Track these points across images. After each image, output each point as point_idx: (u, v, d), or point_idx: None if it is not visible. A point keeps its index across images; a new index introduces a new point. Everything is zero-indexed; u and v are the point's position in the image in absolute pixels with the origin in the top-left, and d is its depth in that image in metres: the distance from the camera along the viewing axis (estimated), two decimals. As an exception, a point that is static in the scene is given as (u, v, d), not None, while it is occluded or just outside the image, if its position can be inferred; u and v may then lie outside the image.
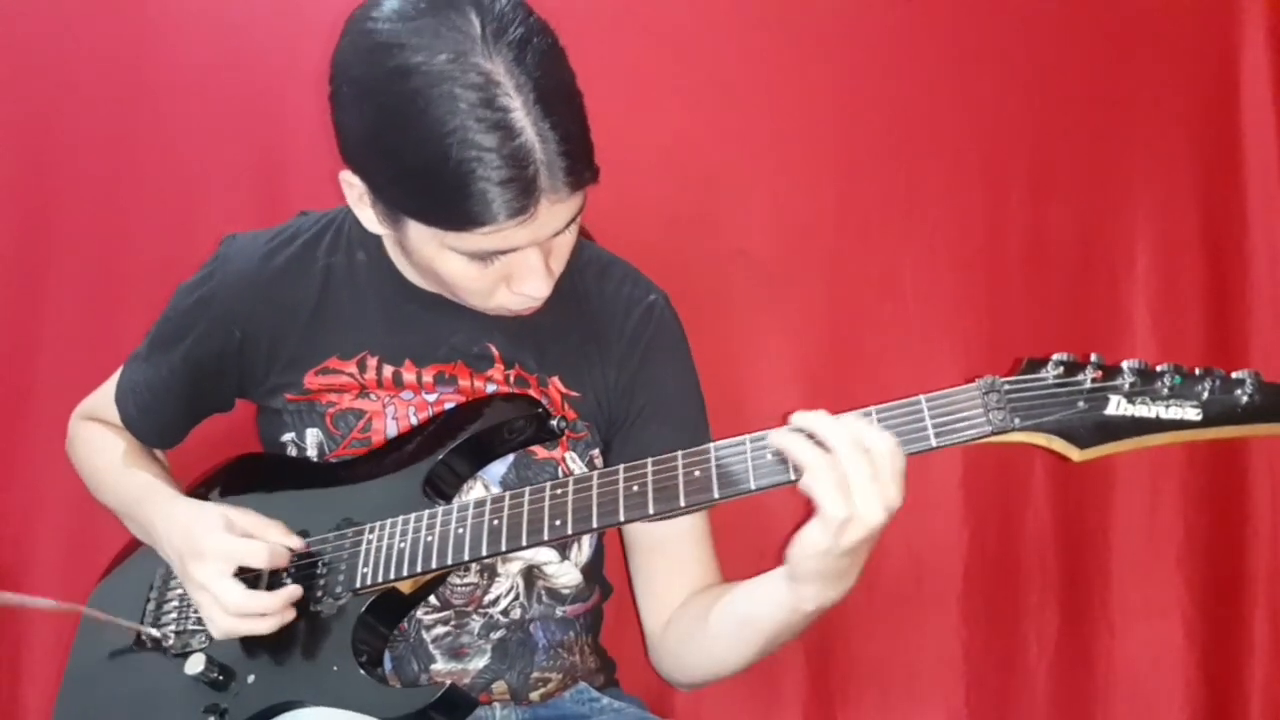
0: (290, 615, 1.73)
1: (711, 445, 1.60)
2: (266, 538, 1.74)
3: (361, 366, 1.88)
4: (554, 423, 1.82)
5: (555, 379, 1.90)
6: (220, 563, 1.71)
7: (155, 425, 2.04)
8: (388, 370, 1.88)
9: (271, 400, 1.92)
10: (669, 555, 1.94)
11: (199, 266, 2.03)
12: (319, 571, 1.77)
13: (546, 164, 1.53)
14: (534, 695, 1.91)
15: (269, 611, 1.71)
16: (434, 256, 1.65)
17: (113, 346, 2.40)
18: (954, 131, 2.51)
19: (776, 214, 2.52)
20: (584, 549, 1.95)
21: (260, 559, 1.71)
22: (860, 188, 2.51)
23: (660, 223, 2.43)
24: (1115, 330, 2.45)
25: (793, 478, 1.54)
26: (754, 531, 2.46)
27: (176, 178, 2.51)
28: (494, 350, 1.89)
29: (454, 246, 1.61)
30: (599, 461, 1.93)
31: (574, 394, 1.90)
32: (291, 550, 1.77)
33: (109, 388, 2.07)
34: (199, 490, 1.98)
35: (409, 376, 1.88)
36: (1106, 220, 2.49)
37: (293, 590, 1.72)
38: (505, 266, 1.64)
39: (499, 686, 1.88)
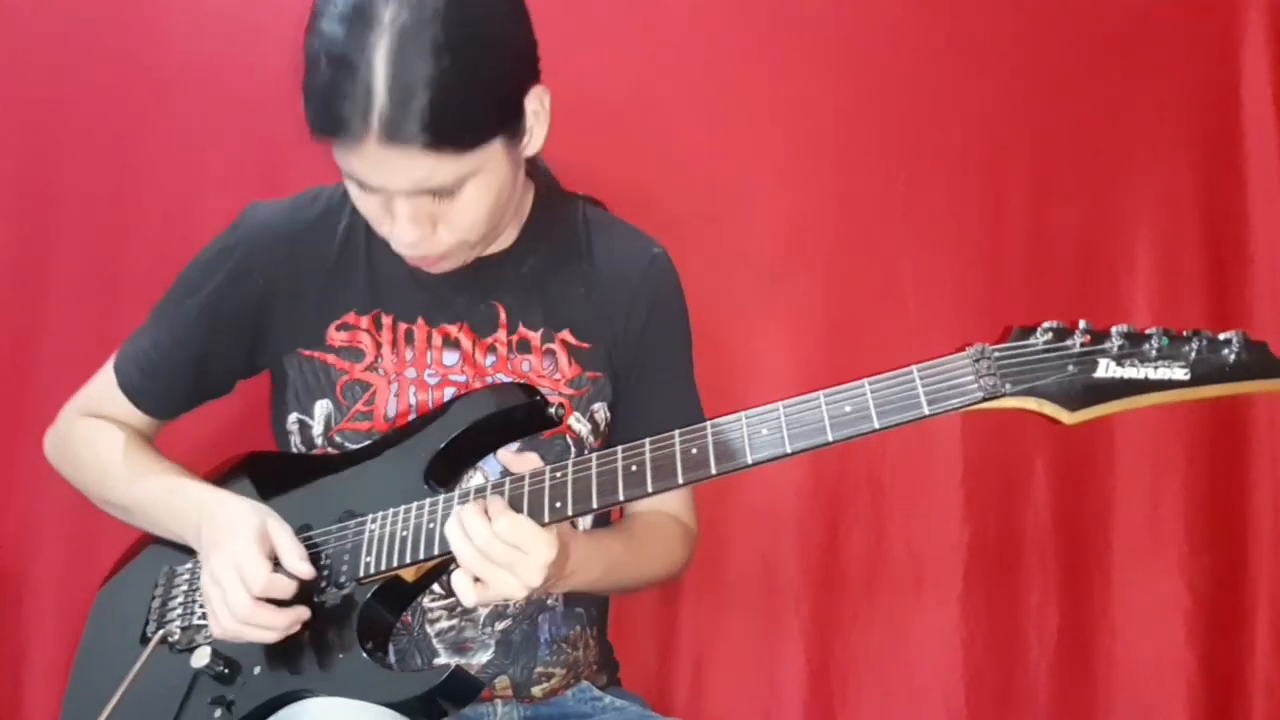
0: (293, 630, 1.72)
1: (708, 423, 1.61)
2: (286, 565, 1.73)
3: (377, 323, 1.92)
4: (552, 410, 1.82)
5: (565, 332, 1.93)
6: (235, 568, 1.71)
7: (159, 388, 2.01)
8: (401, 327, 1.91)
9: (286, 354, 1.94)
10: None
11: (200, 264, 2.03)
12: (323, 562, 1.78)
13: (386, 106, 1.59)
14: (537, 691, 1.91)
15: (272, 626, 1.71)
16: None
17: (111, 346, 2.39)
18: (954, 131, 2.52)
19: (776, 214, 2.53)
20: (586, 523, 1.95)
21: (258, 586, 1.71)
22: (860, 187, 2.53)
23: (661, 222, 2.42)
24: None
25: (789, 450, 1.55)
26: (756, 536, 2.48)
27: (177, 174, 2.52)
28: (500, 311, 1.92)
29: (338, 162, 1.69)
30: (600, 415, 1.95)
31: (583, 345, 1.94)
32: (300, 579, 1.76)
33: (103, 374, 2.05)
34: None
35: (419, 335, 1.91)
36: (1107, 219, 2.50)
37: (297, 614, 1.72)
38: (385, 201, 1.71)
39: (501, 681, 1.89)
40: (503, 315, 1.92)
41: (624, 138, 2.49)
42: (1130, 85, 2.51)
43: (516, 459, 1.70)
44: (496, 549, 1.58)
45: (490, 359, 1.90)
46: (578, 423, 1.92)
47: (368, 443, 1.89)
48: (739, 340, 2.49)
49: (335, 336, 1.92)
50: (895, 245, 2.52)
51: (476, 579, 1.60)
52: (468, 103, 1.63)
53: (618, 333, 1.95)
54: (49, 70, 2.51)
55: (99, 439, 2.01)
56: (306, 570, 1.72)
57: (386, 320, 1.91)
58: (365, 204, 1.74)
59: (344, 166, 1.68)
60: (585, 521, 1.96)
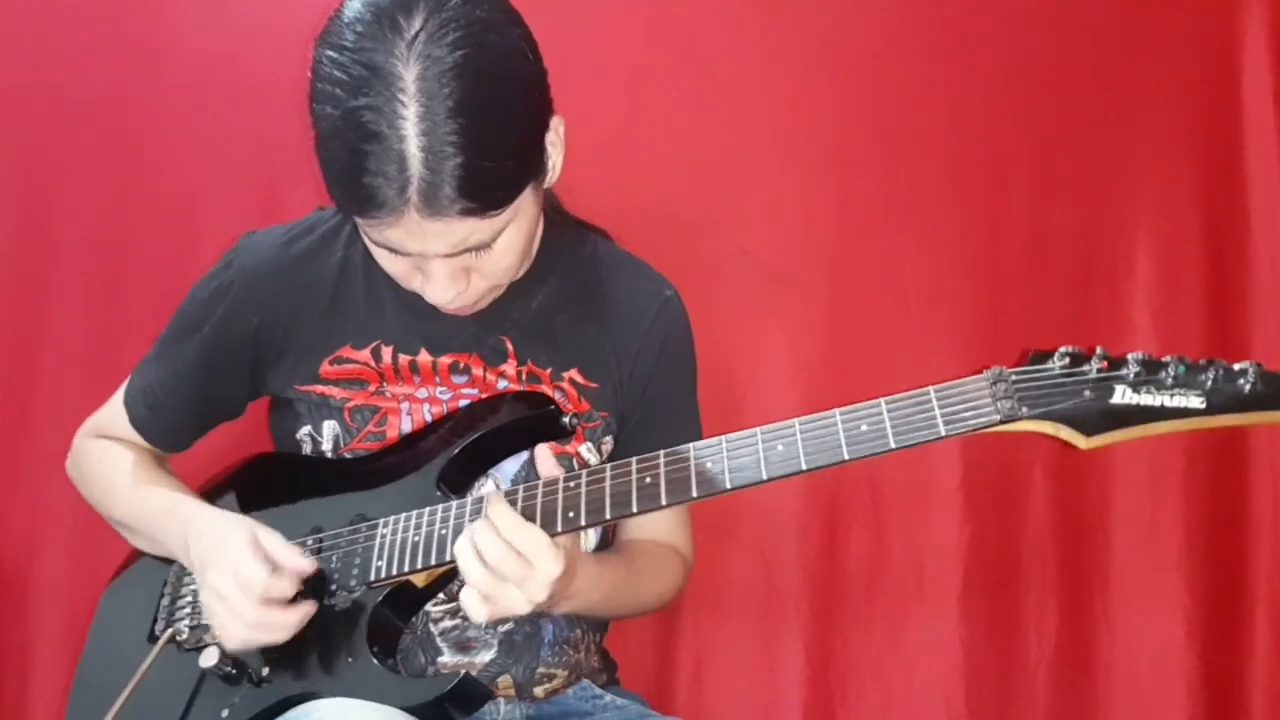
0: (303, 624, 1.72)
1: (723, 438, 1.61)
2: (284, 564, 1.72)
3: (376, 355, 1.89)
4: (566, 420, 1.82)
5: (574, 371, 1.92)
6: (234, 578, 1.71)
7: (166, 424, 2.01)
8: (403, 359, 1.89)
9: (285, 391, 1.93)
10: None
11: (199, 267, 2.01)
12: (333, 565, 1.77)
13: (424, 178, 1.55)
14: (538, 691, 1.91)
15: (283, 625, 1.70)
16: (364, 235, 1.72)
17: (114, 347, 2.42)
18: (955, 131, 2.52)
19: (776, 213, 2.53)
20: (590, 541, 1.95)
21: (259, 588, 1.70)
22: (860, 187, 2.52)
23: (660, 222, 2.42)
24: (1116, 330, 2.46)
25: (804, 468, 1.55)
26: (757, 536, 2.48)
27: (176, 178, 2.51)
28: (508, 345, 1.90)
29: (366, 232, 1.66)
30: (607, 447, 1.95)
31: (592, 385, 1.92)
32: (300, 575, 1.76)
33: (115, 402, 2.04)
34: (214, 490, 1.98)
35: (424, 364, 1.89)
36: (1107, 220, 2.50)
37: (307, 609, 1.72)
38: (417, 261, 1.68)
39: (504, 680, 1.88)
40: (511, 348, 1.90)
41: (624, 138, 2.48)
42: (1130, 86, 2.51)
43: (549, 460, 1.70)
44: (507, 565, 1.57)
45: (502, 384, 1.90)
46: (589, 453, 1.92)
47: (380, 448, 1.89)
48: (739, 340, 2.49)
49: (329, 371, 1.90)
50: (895, 245, 2.51)
51: (485, 596, 1.59)
52: (499, 160, 1.59)
53: (625, 375, 1.94)
54: (49, 74, 2.50)
55: (108, 458, 2.02)
56: (306, 565, 1.72)
57: (386, 351, 1.89)
58: (394, 265, 1.71)
59: (374, 236, 1.64)
60: (590, 542, 1.97)
